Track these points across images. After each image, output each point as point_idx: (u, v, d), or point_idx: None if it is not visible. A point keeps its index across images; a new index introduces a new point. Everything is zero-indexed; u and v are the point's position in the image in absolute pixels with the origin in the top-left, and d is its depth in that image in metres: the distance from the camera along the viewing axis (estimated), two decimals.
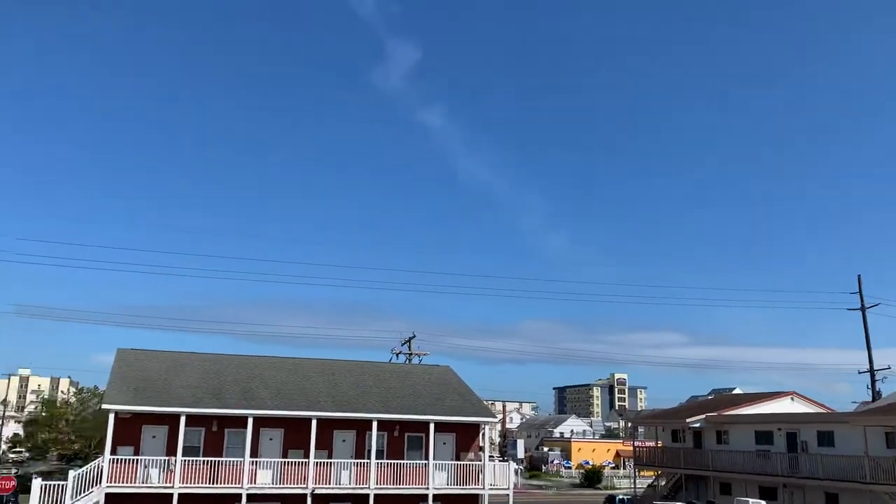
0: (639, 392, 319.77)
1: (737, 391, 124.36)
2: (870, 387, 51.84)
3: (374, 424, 32.90)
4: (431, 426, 33.65)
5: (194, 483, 29.95)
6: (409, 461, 33.56)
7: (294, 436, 32.87)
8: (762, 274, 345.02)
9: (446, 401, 36.81)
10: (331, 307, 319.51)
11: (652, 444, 53.96)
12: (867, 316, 53.33)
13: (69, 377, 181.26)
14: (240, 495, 30.21)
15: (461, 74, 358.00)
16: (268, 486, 30.99)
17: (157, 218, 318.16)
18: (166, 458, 30.40)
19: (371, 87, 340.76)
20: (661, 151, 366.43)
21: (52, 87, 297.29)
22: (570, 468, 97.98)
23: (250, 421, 31.08)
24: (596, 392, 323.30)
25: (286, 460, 31.87)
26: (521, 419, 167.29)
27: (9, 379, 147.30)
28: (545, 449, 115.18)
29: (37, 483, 28.33)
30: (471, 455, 36.08)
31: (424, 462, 33.32)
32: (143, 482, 29.59)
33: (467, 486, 33.69)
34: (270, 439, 33.08)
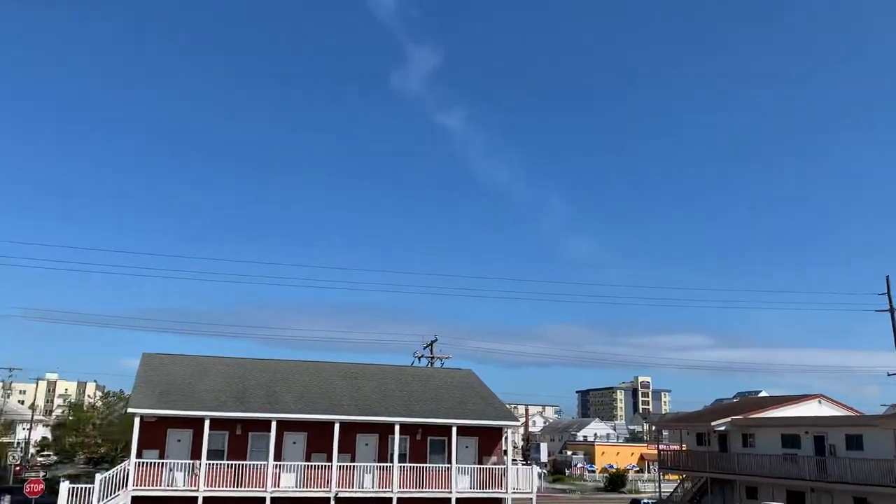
0: (663, 395, 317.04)
1: (762, 394, 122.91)
2: None
3: (397, 428, 32.93)
4: (454, 430, 33.61)
5: (219, 486, 30.13)
6: (431, 465, 33.54)
7: (317, 439, 32.99)
8: (789, 275, 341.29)
9: (469, 404, 36.75)
10: (352, 311, 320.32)
11: (676, 447, 53.54)
12: None
13: (95, 381, 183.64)
14: (264, 499, 30.36)
15: (481, 78, 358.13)
16: (291, 489, 31.10)
17: (183, 223, 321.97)
18: (191, 461, 30.64)
19: (391, 90, 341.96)
20: (683, 153, 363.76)
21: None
22: (593, 472, 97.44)
23: (274, 424, 31.23)
24: (619, 395, 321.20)
25: (310, 464, 31.99)
26: (544, 423, 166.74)
27: (37, 383, 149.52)
28: (568, 453, 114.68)
29: (64, 486, 28.70)
30: (494, 459, 35.99)
31: (447, 466, 33.28)
32: (168, 485, 29.83)
33: (490, 490, 33.56)
34: (294, 443, 33.22)
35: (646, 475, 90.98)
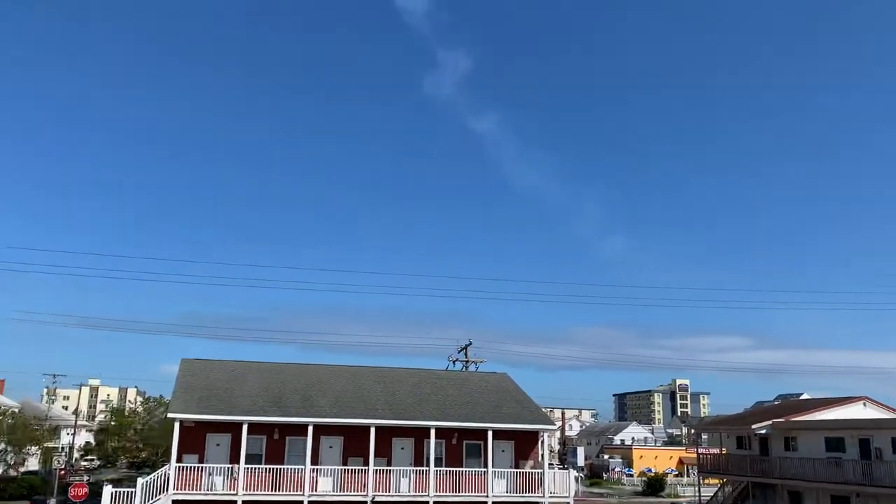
0: (701, 398, 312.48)
1: (805, 396, 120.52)
2: None
3: (433, 432, 32.94)
4: (490, 434, 33.52)
5: (257, 490, 30.48)
6: (467, 469, 33.48)
7: (353, 443, 33.16)
8: (832, 275, 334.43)
9: (504, 408, 36.61)
10: (386, 315, 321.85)
11: (716, 451, 52.71)
12: None
13: (136, 387, 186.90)
14: (301, 502, 30.61)
15: (512, 82, 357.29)
16: (329, 493, 31.28)
17: (223, 230, 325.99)
18: (230, 465, 31.01)
19: (423, 95, 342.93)
20: (719, 155, 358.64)
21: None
22: (631, 476, 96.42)
23: (310, 429, 31.45)
24: (657, 398, 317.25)
25: (346, 468, 32.19)
26: (581, 426, 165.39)
27: (80, 389, 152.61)
28: (605, 456, 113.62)
29: (107, 490, 29.32)
30: (530, 463, 35.79)
31: (483, 470, 33.19)
32: (207, 489, 30.24)
33: (527, 494, 33.39)
34: (330, 447, 33.42)
35: (685, 479, 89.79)
